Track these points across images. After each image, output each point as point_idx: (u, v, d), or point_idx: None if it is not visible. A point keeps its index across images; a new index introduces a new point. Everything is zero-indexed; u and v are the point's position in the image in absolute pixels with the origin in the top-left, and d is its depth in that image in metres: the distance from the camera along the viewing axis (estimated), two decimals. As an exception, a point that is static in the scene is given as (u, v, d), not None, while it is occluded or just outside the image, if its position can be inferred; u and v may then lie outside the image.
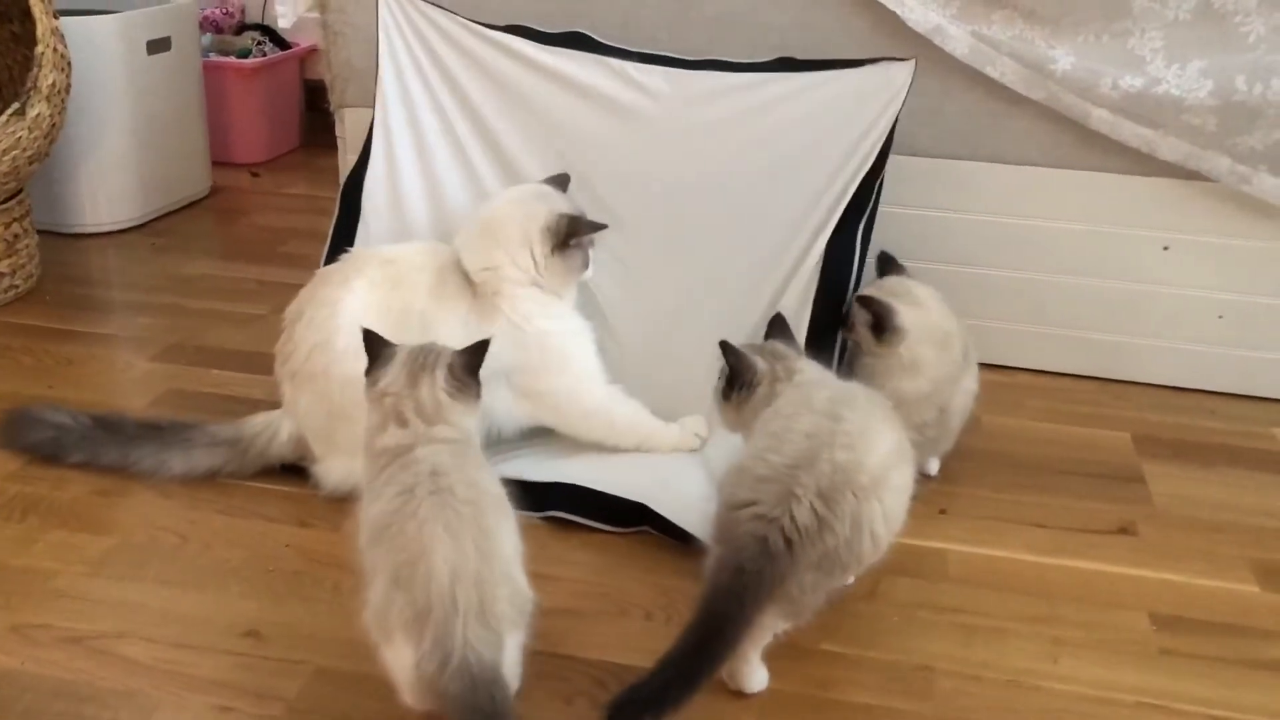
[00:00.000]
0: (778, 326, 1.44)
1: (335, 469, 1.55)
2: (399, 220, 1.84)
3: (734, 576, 1.13)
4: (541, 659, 1.23)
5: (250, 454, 1.60)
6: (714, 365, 1.39)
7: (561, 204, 1.64)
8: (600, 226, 1.62)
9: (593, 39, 1.87)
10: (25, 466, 1.62)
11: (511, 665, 1.10)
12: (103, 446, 1.59)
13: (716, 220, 1.78)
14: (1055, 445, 1.79)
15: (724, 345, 1.35)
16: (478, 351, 1.26)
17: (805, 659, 1.30)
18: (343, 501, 1.53)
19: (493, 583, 1.08)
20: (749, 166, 1.78)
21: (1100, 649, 1.33)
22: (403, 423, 1.21)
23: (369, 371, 1.26)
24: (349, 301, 1.55)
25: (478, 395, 1.25)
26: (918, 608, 1.39)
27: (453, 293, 1.59)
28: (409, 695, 1.09)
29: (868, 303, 1.57)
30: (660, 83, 1.82)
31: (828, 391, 1.29)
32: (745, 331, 1.63)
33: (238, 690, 1.23)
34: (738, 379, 1.35)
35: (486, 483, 1.17)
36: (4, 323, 2.11)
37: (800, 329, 1.61)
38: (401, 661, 1.06)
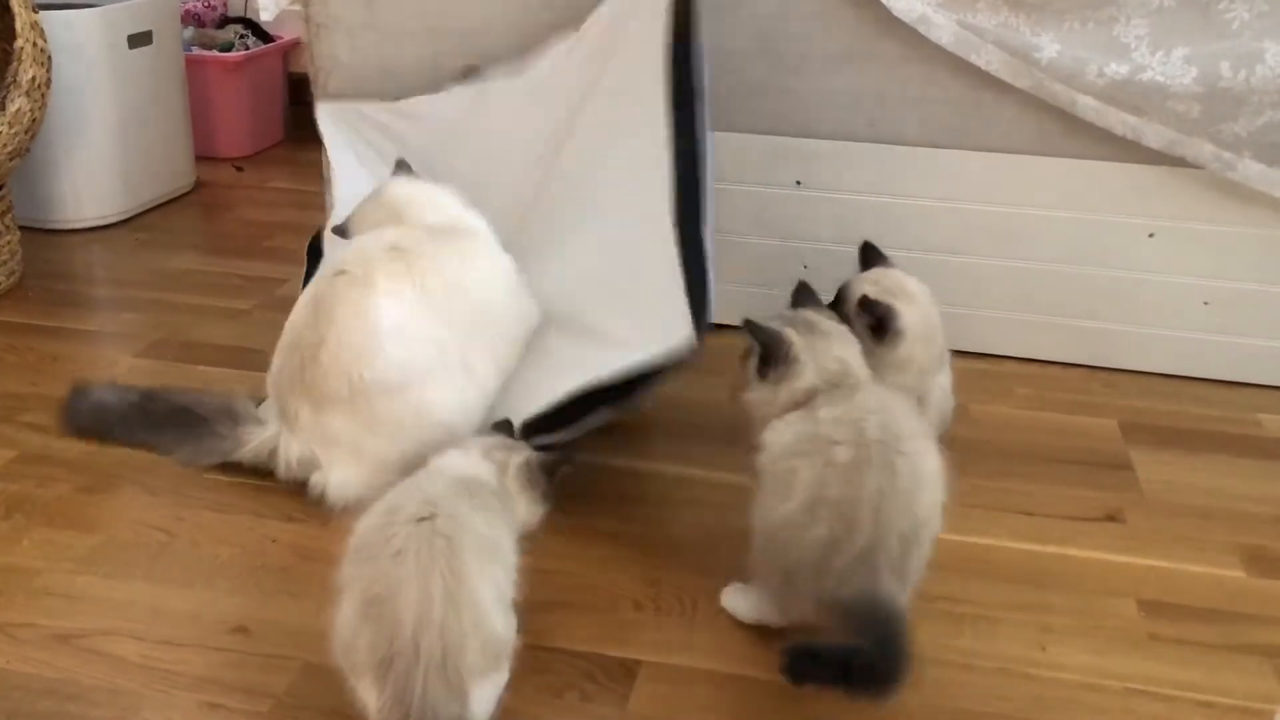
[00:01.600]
0: (804, 294, 1.42)
1: (351, 479, 1.50)
2: None
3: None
4: (530, 652, 1.22)
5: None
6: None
7: None
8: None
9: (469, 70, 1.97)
10: (9, 464, 1.61)
11: (485, 707, 1.09)
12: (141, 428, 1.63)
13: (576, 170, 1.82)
14: (1042, 433, 1.79)
15: (748, 323, 1.32)
16: (554, 467, 1.26)
17: (795, 649, 1.30)
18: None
19: (459, 633, 1.04)
20: (587, 109, 1.83)
21: (1089, 636, 1.34)
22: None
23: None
24: (381, 303, 1.48)
25: (545, 498, 1.26)
26: (907, 597, 1.39)
27: (454, 244, 1.61)
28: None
29: (871, 306, 1.53)
30: (504, 87, 1.93)
31: (876, 417, 1.23)
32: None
33: (226, 687, 1.22)
34: (772, 357, 1.30)
35: (476, 522, 1.13)
36: (-13, 320, 2.10)
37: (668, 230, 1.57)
38: (368, 701, 1.05)
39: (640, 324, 1.50)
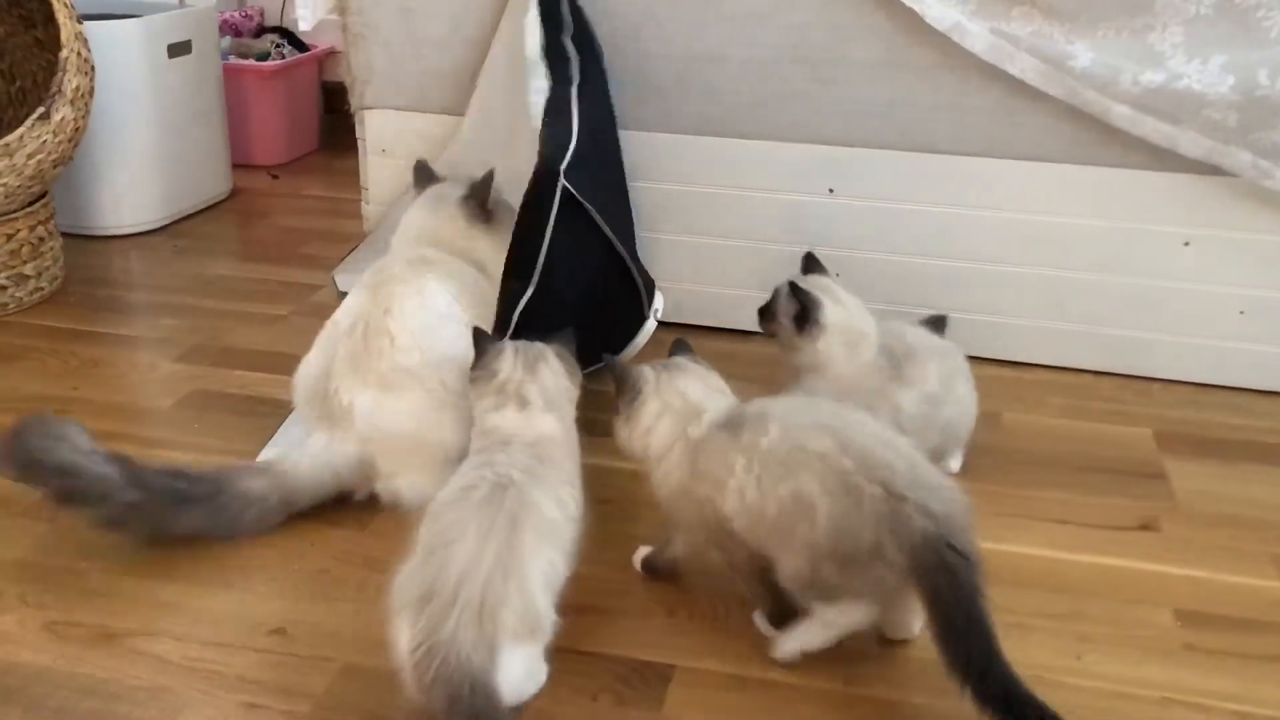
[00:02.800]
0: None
1: (419, 482, 1.50)
2: None
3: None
4: (566, 656, 1.24)
5: (304, 494, 1.51)
6: None
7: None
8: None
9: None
10: (53, 467, 1.64)
11: (517, 677, 1.12)
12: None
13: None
14: (1076, 442, 1.79)
15: (610, 366, 1.39)
16: (569, 340, 1.42)
17: (830, 655, 1.30)
18: (367, 502, 1.55)
19: (501, 592, 1.10)
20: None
21: (1124, 645, 1.33)
22: (523, 404, 1.33)
23: (476, 365, 1.38)
24: (435, 288, 1.57)
25: (580, 376, 1.40)
26: (940, 604, 1.39)
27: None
28: (405, 678, 1.10)
29: (798, 292, 1.57)
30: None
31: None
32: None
33: (265, 687, 1.24)
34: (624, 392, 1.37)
35: (547, 505, 1.21)
36: (29, 324, 2.13)
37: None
38: (401, 640, 1.09)
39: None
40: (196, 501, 1.42)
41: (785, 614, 1.28)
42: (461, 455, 1.42)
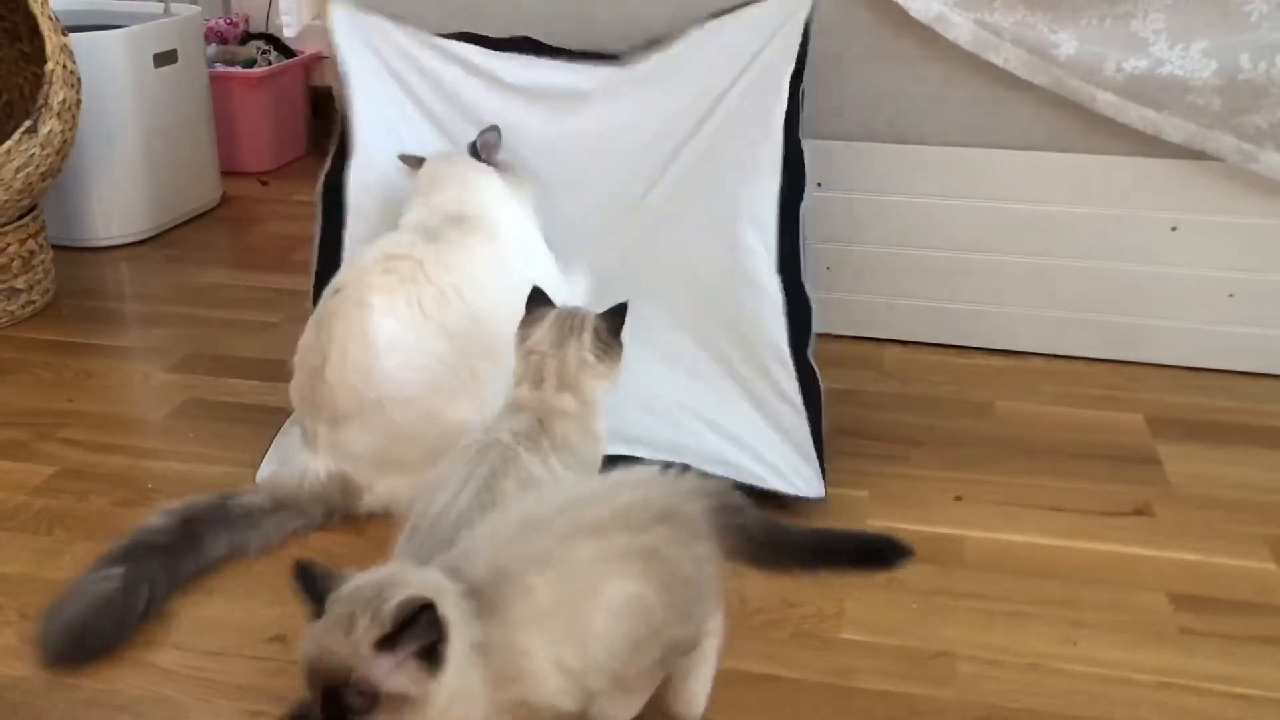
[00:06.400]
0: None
1: (392, 487, 1.52)
2: (387, 223, 1.74)
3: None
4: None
5: (303, 507, 1.52)
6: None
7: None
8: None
9: (539, 42, 1.90)
10: (49, 479, 1.65)
11: None
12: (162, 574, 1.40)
13: (666, 195, 1.84)
14: (1069, 429, 1.79)
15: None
16: (619, 313, 1.33)
17: (825, 648, 1.31)
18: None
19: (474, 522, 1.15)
20: (683, 136, 1.84)
21: (1119, 630, 1.34)
22: (537, 384, 1.31)
23: (523, 325, 1.35)
24: (378, 321, 1.49)
25: (619, 357, 1.34)
26: (936, 594, 1.41)
27: (457, 241, 1.61)
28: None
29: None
30: (592, 79, 1.88)
31: None
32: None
33: (266, 695, 1.24)
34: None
35: (534, 465, 1.26)
36: (22, 338, 2.13)
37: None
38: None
39: (766, 444, 1.58)
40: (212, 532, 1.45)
41: None
42: (434, 455, 1.40)
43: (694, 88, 1.84)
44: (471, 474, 1.23)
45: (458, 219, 1.64)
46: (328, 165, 1.81)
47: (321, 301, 1.55)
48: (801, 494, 1.52)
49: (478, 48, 1.91)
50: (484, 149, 1.77)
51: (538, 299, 1.36)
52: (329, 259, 1.74)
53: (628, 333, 1.35)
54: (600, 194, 1.88)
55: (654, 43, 1.87)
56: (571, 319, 1.33)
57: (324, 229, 1.78)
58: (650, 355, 1.66)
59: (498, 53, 1.90)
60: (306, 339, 1.55)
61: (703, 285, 1.74)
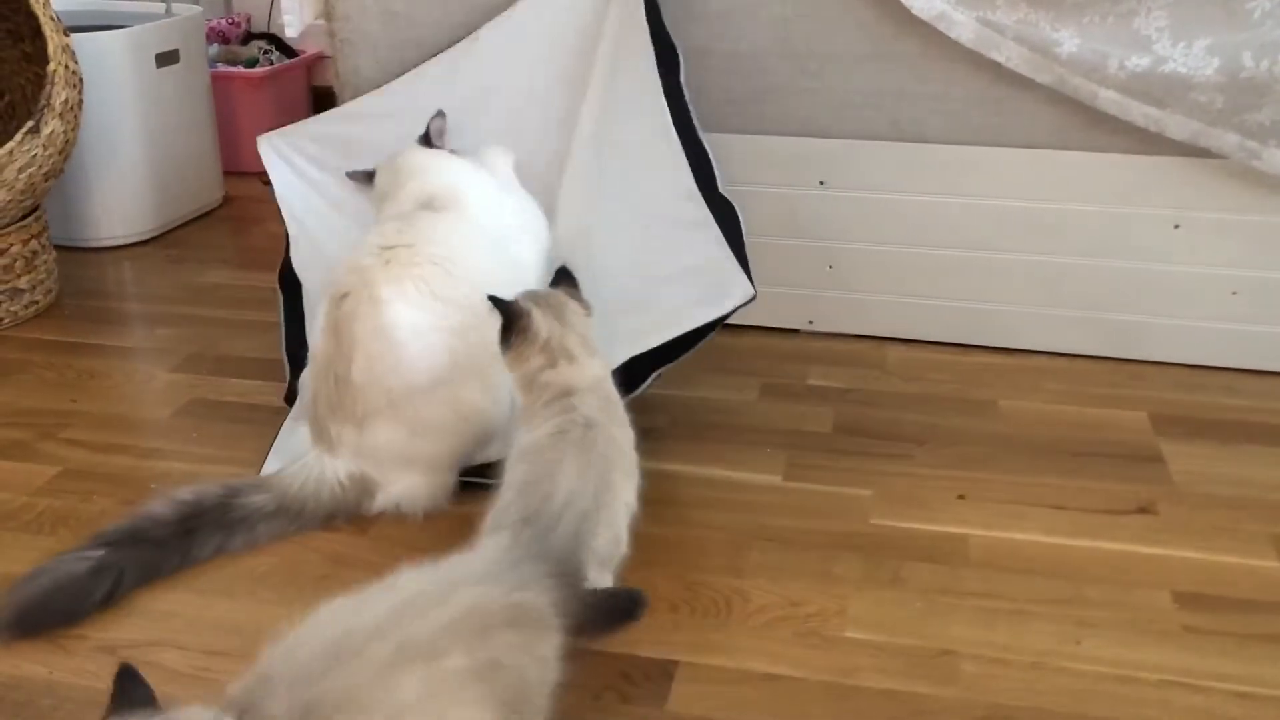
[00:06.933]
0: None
1: (409, 485, 1.54)
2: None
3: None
4: (568, 654, 1.24)
5: (307, 511, 1.53)
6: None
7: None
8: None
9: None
10: (53, 480, 1.65)
11: None
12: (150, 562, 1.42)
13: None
14: (1072, 427, 1.79)
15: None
16: (569, 276, 1.46)
17: (828, 647, 1.31)
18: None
19: (595, 522, 1.23)
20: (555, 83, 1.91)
21: (1123, 629, 1.34)
22: (570, 358, 1.37)
23: (509, 329, 1.38)
24: (395, 312, 1.50)
25: (590, 309, 1.44)
26: (939, 593, 1.40)
27: (432, 220, 1.64)
28: None
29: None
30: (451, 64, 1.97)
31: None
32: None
33: (271, 694, 1.24)
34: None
35: (624, 442, 1.34)
36: (25, 338, 2.13)
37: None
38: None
39: (695, 293, 1.63)
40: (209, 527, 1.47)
41: None
42: (453, 459, 1.52)
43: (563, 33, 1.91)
44: (588, 464, 1.27)
45: (426, 201, 1.68)
46: (284, 255, 1.93)
47: (327, 310, 1.55)
48: (739, 303, 1.58)
49: (367, 96, 2.03)
50: (435, 135, 1.82)
51: (501, 305, 1.39)
52: (295, 336, 1.84)
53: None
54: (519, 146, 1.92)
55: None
56: (549, 299, 1.41)
57: (285, 309, 1.89)
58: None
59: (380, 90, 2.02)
60: (324, 349, 1.54)
61: (623, 180, 1.78)
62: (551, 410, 1.33)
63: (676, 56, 1.78)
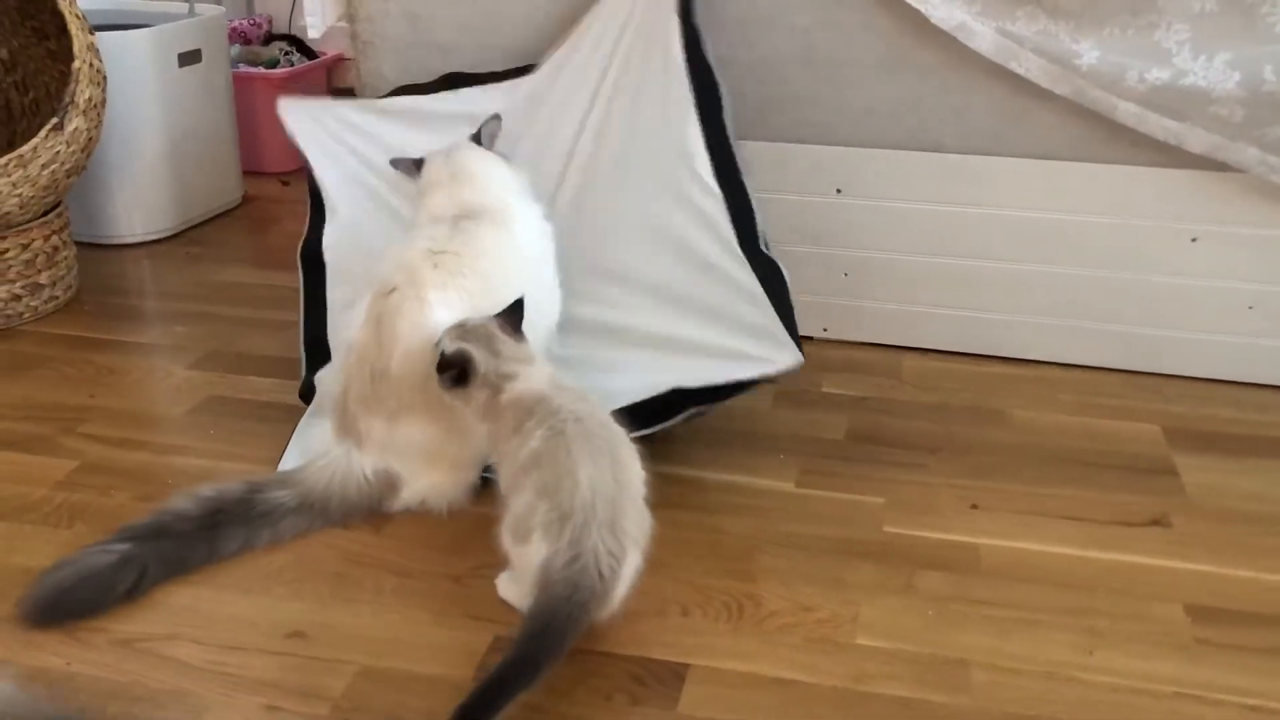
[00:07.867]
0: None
1: (433, 483, 1.56)
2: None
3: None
4: (579, 656, 1.25)
5: (331, 506, 1.54)
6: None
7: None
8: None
9: (464, 74, 2.01)
10: (71, 474, 1.66)
11: (627, 582, 1.28)
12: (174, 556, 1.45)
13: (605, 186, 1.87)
14: (1086, 438, 1.79)
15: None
16: (517, 309, 1.48)
17: (840, 653, 1.31)
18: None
19: (623, 504, 1.28)
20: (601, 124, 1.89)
21: (1135, 641, 1.34)
22: (513, 376, 1.41)
23: (462, 377, 1.42)
24: (438, 316, 1.51)
25: (525, 339, 1.48)
26: (952, 602, 1.41)
27: (478, 232, 1.63)
28: (524, 589, 1.28)
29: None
30: (506, 94, 1.96)
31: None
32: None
33: (285, 690, 1.25)
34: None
35: (609, 420, 1.38)
36: (45, 333, 2.15)
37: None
38: (531, 559, 1.26)
39: (735, 338, 1.62)
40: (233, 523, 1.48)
41: None
42: (478, 457, 1.54)
43: (591, 56, 1.90)
44: (597, 452, 1.31)
45: (474, 210, 1.66)
46: (305, 232, 1.92)
47: (372, 301, 1.56)
48: (782, 369, 1.57)
49: (409, 97, 2.02)
50: (488, 139, 1.80)
51: (446, 359, 1.43)
52: (316, 321, 1.83)
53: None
54: (562, 192, 1.91)
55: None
56: (476, 333, 1.44)
57: (306, 292, 1.87)
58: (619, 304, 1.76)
59: (429, 95, 2.01)
60: (364, 340, 1.55)
61: (652, 226, 1.76)
62: (533, 421, 1.35)
63: (718, 95, 1.74)
